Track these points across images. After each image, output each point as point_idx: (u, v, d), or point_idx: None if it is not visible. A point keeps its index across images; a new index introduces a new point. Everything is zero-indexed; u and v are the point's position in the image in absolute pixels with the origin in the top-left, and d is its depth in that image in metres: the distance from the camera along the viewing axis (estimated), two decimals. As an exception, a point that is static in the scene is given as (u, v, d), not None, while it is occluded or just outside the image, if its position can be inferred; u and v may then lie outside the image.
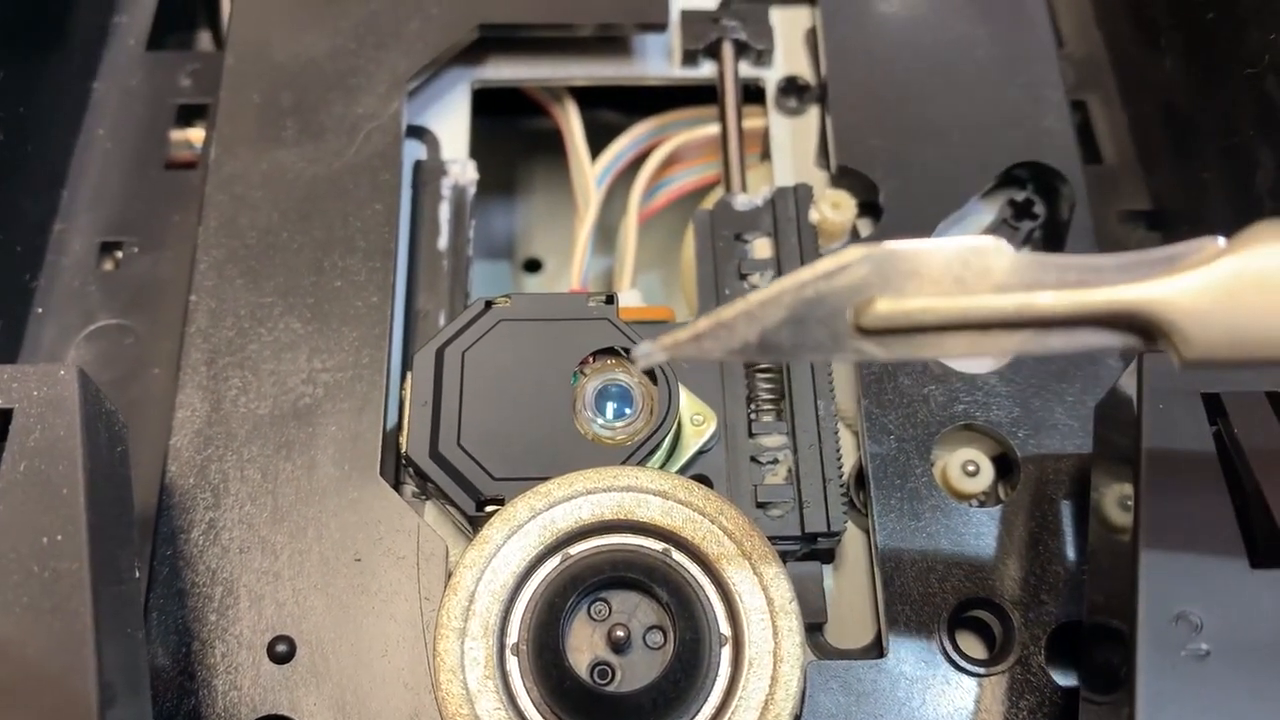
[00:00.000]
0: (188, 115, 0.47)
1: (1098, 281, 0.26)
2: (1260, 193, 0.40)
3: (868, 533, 0.38)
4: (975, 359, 0.40)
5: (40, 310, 0.43)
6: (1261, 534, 0.30)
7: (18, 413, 0.30)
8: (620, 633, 0.31)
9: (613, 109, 0.53)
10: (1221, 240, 0.26)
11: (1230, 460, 0.31)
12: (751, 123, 0.48)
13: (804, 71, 0.49)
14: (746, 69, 0.49)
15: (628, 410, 0.37)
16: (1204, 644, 0.28)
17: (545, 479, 0.33)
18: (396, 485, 0.38)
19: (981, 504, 0.38)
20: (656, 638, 0.32)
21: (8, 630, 0.28)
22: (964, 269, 0.26)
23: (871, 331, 0.26)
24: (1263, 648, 0.28)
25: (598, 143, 0.50)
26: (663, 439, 0.36)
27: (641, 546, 0.33)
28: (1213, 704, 0.28)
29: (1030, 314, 0.26)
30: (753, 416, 0.39)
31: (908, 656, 0.35)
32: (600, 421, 0.37)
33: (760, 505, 0.37)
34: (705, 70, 0.49)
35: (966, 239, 0.26)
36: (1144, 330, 0.26)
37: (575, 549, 0.33)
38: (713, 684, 0.31)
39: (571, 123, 0.49)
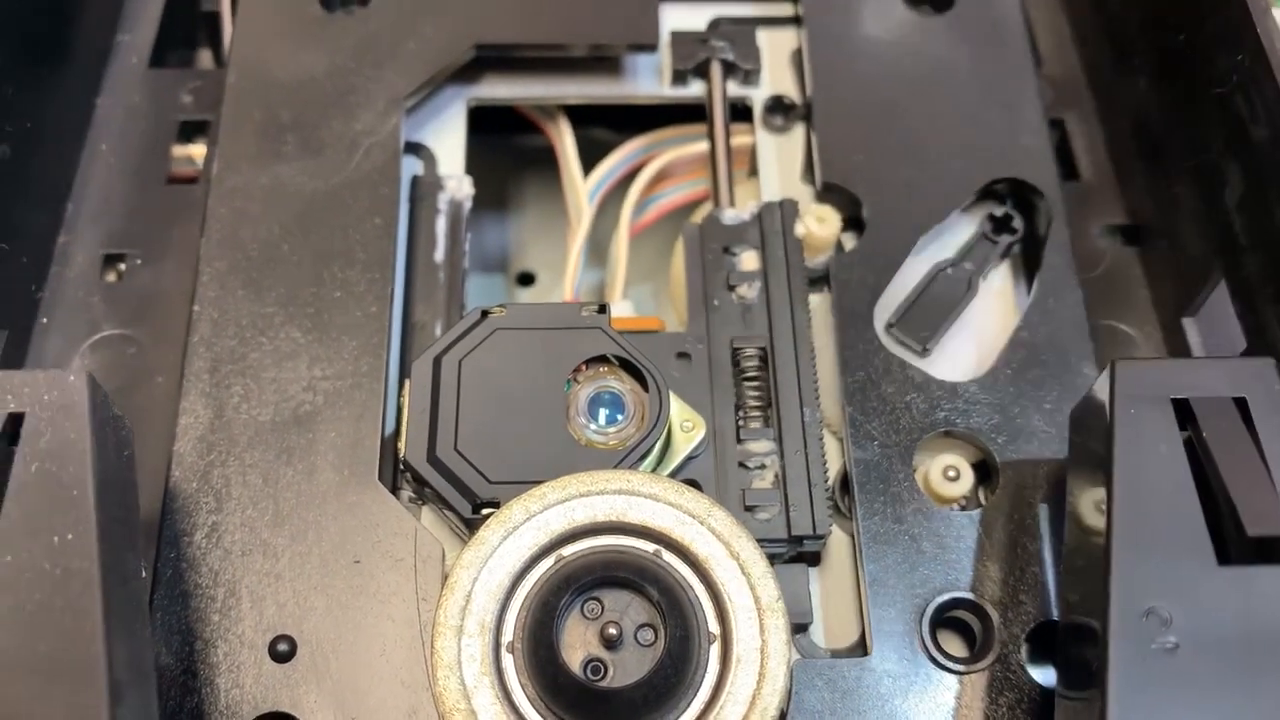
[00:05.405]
0: (189, 131, 0.48)
1: None
2: (1228, 207, 0.41)
3: (852, 535, 0.39)
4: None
5: (45, 321, 0.43)
6: (1228, 533, 0.31)
7: (29, 416, 0.31)
8: (612, 630, 0.32)
9: (604, 127, 0.54)
10: None
11: (1199, 463, 0.32)
12: (739, 140, 0.49)
13: (790, 91, 0.50)
14: (734, 88, 0.50)
15: (620, 416, 0.38)
16: (1173, 638, 0.29)
17: (540, 483, 0.34)
18: (394, 490, 0.39)
19: (962, 508, 0.39)
20: (647, 635, 0.33)
21: (20, 627, 0.29)
22: None
23: None
24: (1228, 641, 0.29)
25: (590, 159, 0.50)
26: (653, 444, 0.37)
27: (633, 547, 0.34)
28: (1181, 695, 0.29)
29: None
30: (741, 423, 0.40)
31: (891, 655, 0.36)
32: (593, 427, 0.38)
33: (748, 508, 0.38)
34: (694, 89, 0.50)
35: None
36: None
37: (569, 550, 0.33)
38: (702, 680, 0.32)
39: (564, 140, 0.50)
